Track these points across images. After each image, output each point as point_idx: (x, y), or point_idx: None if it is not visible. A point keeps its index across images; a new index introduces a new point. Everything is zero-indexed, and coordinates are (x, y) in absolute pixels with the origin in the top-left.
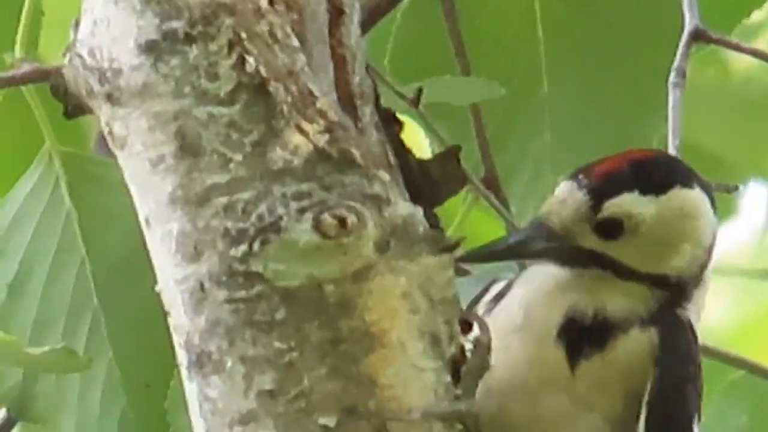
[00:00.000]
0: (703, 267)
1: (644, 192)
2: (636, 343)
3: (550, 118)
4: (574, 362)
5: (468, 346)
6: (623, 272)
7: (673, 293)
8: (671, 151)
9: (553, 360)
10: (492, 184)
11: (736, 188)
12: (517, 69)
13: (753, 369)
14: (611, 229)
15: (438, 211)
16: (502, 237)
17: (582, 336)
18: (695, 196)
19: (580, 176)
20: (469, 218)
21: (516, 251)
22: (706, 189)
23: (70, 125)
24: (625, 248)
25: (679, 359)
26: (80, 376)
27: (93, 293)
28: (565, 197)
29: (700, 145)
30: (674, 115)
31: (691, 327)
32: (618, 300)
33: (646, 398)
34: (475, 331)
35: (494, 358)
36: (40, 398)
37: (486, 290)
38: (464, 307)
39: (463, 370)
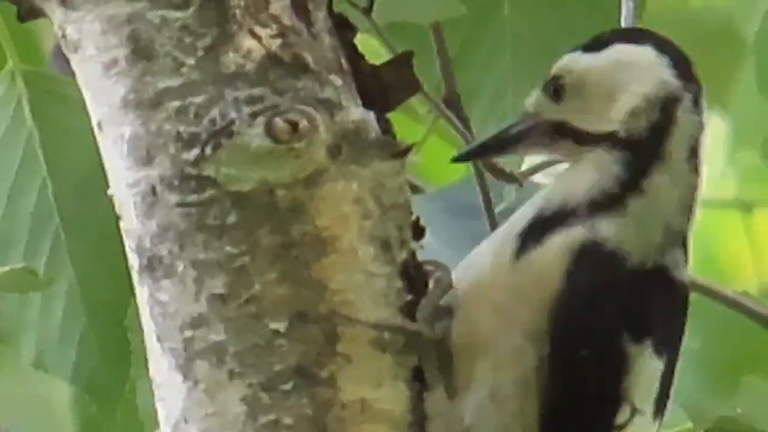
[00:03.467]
0: (654, 127)
1: (586, 50)
2: (565, 238)
3: (512, 39)
4: (519, 256)
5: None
6: (581, 139)
7: (632, 156)
8: None
9: (503, 255)
10: (453, 104)
11: None
12: None
13: (707, 292)
14: (557, 90)
15: (398, 132)
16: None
17: (538, 230)
18: (635, 49)
19: None
20: (430, 139)
21: (502, 139)
22: (669, 52)
23: (31, 46)
24: (573, 108)
25: (591, 280)
26: (41, 296)
27: (54, 212)
28: None
29: None
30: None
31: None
32: (585, 178)
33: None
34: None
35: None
36: (0, 317)
37: None
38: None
39: (422, 301)
